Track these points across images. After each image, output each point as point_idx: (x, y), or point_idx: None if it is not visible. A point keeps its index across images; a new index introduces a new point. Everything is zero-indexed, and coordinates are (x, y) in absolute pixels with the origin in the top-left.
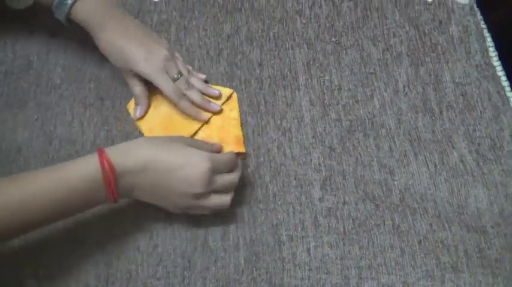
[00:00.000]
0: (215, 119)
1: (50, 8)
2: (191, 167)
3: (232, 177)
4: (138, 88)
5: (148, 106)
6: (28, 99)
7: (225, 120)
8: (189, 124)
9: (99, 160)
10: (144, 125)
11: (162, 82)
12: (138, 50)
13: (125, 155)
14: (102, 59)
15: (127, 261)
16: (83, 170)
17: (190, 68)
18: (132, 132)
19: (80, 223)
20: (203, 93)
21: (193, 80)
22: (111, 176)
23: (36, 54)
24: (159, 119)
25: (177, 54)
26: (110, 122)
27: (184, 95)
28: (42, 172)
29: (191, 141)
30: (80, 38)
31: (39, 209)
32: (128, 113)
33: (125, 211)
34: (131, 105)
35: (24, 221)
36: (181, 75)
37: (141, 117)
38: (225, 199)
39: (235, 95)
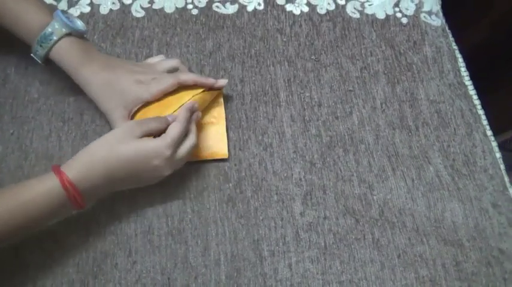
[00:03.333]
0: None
1: (29, 42)
2: (153, 160)
3: (191, 142)
4: (121, 122)
5: None
6: (4, 112)
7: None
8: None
9: (60, 183)
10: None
11: (158, 86)
12: (127, 80)
13: (85, 175)
14: None
15: (104, 279)
16: (47, 192)
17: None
18: None
19: (55, 239)
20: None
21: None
22: (76, 195)
23: (13, 67)
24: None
25: (174, 63)
26: (89, 136)
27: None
28: (15, 191)
29: (142, 128)
30: None
31: (14, 223)
32: None
33: (101, 226)
34: None
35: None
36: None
37: None
38: (191, 143)
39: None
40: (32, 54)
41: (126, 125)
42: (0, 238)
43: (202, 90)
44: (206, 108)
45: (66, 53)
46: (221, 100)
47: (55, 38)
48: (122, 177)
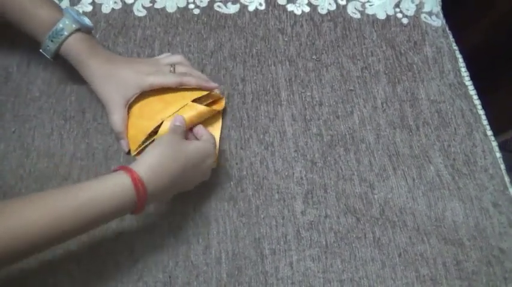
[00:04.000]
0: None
1: (39, 38)
2: (207, 159)
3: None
4: (121, 119)
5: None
6: (5, 111)
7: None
8: (165, 109)
9: (132, 182)
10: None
11: (158, 78)
12: (128, 69)
13: (153, 176)
14: None
15: (105, 278)
16: (114, 193)
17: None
18: (112, 145)
19: None
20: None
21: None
22: (143, 197)
23: (15, 66)
24: (139, 104)
25: (177, 58)
26: (91, 134)
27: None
28: (65, 194)
29: (180, 133)
30: None
31: (57, 231)
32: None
33: (103, 225)
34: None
35: (47, 241)
36: (173, 67)
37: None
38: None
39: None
40: (41, 50)
41: (170, 133)
42: (56, 239)
43: (206, 92)
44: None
45: (75, 48)
46: (219, 121)
47: (66, 33)
48: (185, 176)
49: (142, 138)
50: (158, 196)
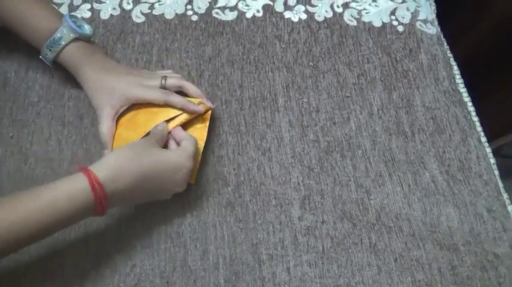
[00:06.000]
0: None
1: (37, 46)
2: (178, 172)
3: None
4: (107, 128)
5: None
6: (3, 116)
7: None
8: (153, 122)
9: (89, 183)
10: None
11: (144, 92)
12: (121, 78)
13: (113, 177)
14: None
15: (103, 283)
16: (72, 193)
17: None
18: None
19: (54, 242)
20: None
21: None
22: (102, 199)
23: (14, 71)
24: (128, 115)
25: (161, 72)
26: (89, 140)
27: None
28: (30, 196)
29: (156, 140)
30: None
31: (26, 232)
32: None
33: (101, 229)
34: None
35: (9, 243)
36: (165, 79)
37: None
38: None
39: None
40: (40, 57)
41: (143, 139)
42: (25, 240)
43: (192, 116)
44: (189, 126)
45: (72, 56)
46: (207, 123)
47: (63, 43)
48: (149, 182)
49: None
50: (121, 199)
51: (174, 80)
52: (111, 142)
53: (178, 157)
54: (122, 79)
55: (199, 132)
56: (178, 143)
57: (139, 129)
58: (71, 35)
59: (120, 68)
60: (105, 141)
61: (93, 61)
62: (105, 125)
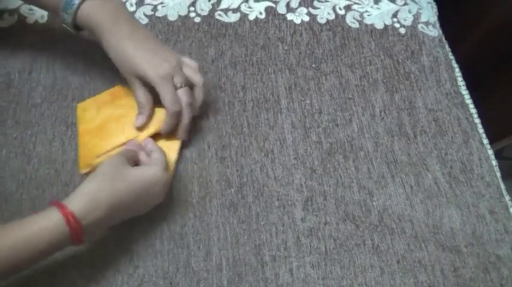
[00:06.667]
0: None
1: (57, 13)
2: (155, 186)
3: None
4: (142, 96)
5: (150, 113)
6: (7, 117)
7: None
8: (122, 133)
9: (64, 218)
10: (82, 120)
11: (164, 91)
12: (146, 55)
13: (88, 208)
14: (85, 79)
15: (106, 283)
16: (48, 230)
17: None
18: None
19: None
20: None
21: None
22: (79, 231)
23: (17, 72)
24: (97, 121)
25: (189, 62)
26: None
27: (177, 111)
28: (6, 232)
29: (127, 158)
30: (63, 59)
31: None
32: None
33: (104, 231)
34: (81, 106)
35: None
36: (183, 85)
37: (84, 110)
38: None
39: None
40: (63, 25)
41: (113, 159)
42: (5, 272)
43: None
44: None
45: (91, 17)
46: (177, 141)
47: (77, 1)
48: (126, 206)
49: (93, 159)
50: (98, 227)
51: (190, 72)
52: (150, 109)
53: (152, 173)
54: (148, 61)
55: (172, 141)
56: (148, 154)
57: (110, 140)
58: None
59: (147, 40)
60: (142, 109)
61: (116, 26)
62: (140, 95)
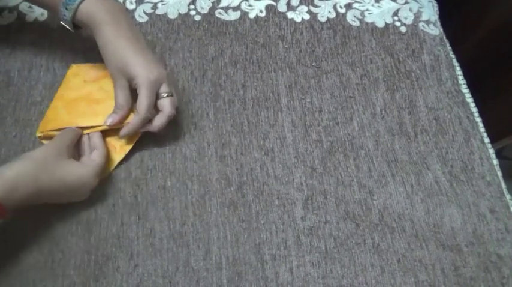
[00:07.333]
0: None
1: (56, 9)
2: (82, 187)
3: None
4: (123, 98)
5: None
6: (6, 115)
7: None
8: (88, 117)
9: None
10: (66, 84)
11: (145, 96)
12: (141, 58)
13: (5, 194)
14: None
15: (105, 282)
16: None
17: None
18: None
19: (55, 241)
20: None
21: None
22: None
23: (17, 71)
24: (75, 93)
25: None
26: None
27: (147, 118)
28: None
29: (67, 147)
30: (63, 57)
31: None
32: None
33: (103, 228)
34: (74, 70)
35: None
36: (170, 95)
37: (74, 75)
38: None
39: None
40: (61, 22)
41: (52, 145)
42: None
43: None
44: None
45: (90, 13)
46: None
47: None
48: (47, 195)
49: (53, 127)
50: (22, 205)
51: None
52: (126, 112)
53: (81, 174)
54: (142, 64)
55: (125, 143)
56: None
57: (73, 119)
58: None
59: (144, 47)
60: (118, 110)
61: (116, 23)
62: (121, 96)
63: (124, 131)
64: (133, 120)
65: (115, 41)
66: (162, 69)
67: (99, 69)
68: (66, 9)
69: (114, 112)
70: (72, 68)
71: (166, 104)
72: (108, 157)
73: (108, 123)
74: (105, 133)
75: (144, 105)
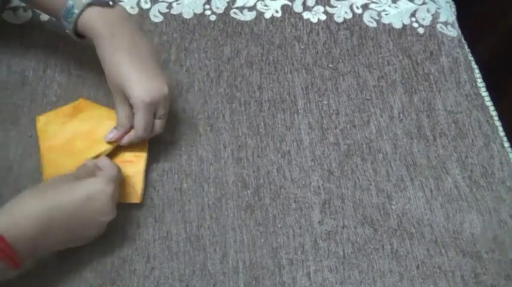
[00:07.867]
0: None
1: (59, 18)
2: (96, 197)
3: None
4: (124, 117)
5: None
6: (22, 115)
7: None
8: (91, 148)
9: None
10: (44, 135)
11: (142, 118)
12: (139, 75)
13: (11, 221)
14: (100, 78)
15: (122, 285)
16: None
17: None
18: None
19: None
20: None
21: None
22: (6, 250)
23: (32, 70)
24: (62, 137)
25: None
26: None
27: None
28: None
29: (75, 175)
30: (78, 57)
31: None
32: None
33: (120, 232)
34: (42, 120)
35: None
36: (163, 118)
37: (45, 124)
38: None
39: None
40: (67, 31)
41: (59, 175)
42: None
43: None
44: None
45: (90, 25)
46: (144, 152)
47: (76, 11)
48: (60, 222)
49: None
50: (34, 246)
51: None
52: (127, 130)
53: (91, 184)
54: (139, 83)
55: (140, 149)
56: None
57: (79, 157)
58: (83, 0)
59: (145, 59)
60: (120, 127)
61: (116, 36)
62: (122, 114)
63: (125, 139)
64: (131, 135)
65: (111, 57)
66: (162, 85)
67: (66, 109)
68: (67, 21)
69: (116, 128)
70: (39, 120)
71: (155, 125)
72: (133, 173)
73: (109, 139)
74: (115, 153)
75: (140, 127)
